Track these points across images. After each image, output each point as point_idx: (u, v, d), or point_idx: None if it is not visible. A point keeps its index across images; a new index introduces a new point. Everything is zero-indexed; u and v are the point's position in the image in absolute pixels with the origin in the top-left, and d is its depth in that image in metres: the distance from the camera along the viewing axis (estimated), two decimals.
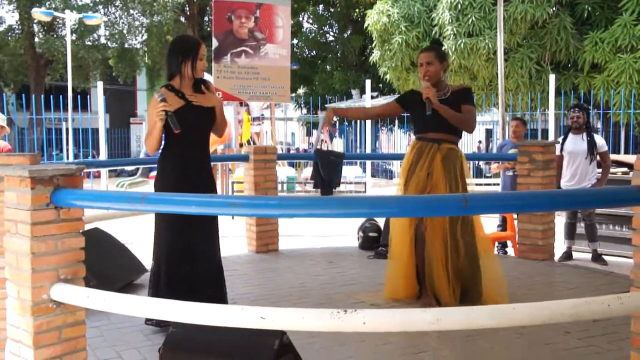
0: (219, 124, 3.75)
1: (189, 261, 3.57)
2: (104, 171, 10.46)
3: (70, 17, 17.50)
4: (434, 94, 4.10)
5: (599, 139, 6.82)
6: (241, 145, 12.36)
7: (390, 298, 4.27)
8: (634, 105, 10.84)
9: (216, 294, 3.63)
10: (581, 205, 3.94)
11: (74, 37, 20.99)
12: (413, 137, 4.41)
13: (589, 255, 6.97)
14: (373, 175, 16.55)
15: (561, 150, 6.74)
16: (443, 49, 4.42)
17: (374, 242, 6.11)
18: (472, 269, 4.15)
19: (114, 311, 2.73)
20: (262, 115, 15.58)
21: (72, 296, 2.69)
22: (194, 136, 3.61)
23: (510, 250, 6.96)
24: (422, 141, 4.20)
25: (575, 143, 6.70)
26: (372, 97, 15.56)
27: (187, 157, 3.61)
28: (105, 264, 4.38)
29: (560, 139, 6.94)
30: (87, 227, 4.28)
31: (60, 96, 11.51)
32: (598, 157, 6.70)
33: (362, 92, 17.25)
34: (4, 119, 6.53)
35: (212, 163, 3.85)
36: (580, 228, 7.04)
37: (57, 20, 21.33)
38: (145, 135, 3.68)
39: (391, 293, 4.30)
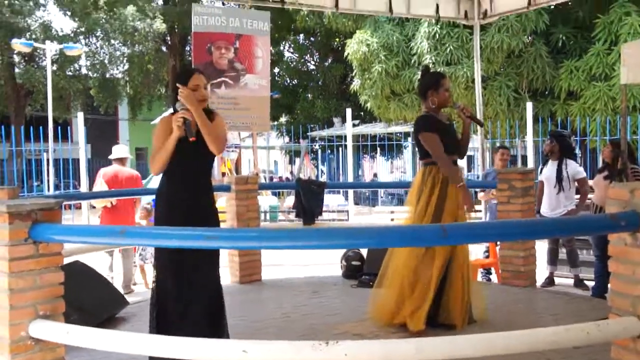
0: (210, 134, 3.49)
1: (185, 292, 3.49)
2: (84, 203, 10.39)
3: (51, 48, 17.49)
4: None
5: (574, 167, 6.74)
6: (223, 174, 12.35)
7: (378, 323, 4.33)
8: (609, 132, 11.03)
9: (214, 328, 3.53)
10: (559, 233, 4.00)
11: (54, 68, 20.97)
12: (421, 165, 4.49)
13: (571, 281, 7.02)
14: (356, 203, 16.58)
15: (540, 174, 6.85)
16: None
17: (357, 271, 6.10)
18: (469, 295, 4.30)
19: (94, 347, 2.70)
20: (240, 144, 15.59)
21: (51, 333, 2.66)
22: (194, 165, 3.54)
23: (494, 277, 6.99)
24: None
25: (551, 170, 6.77)
26: (354, 125, 15.67)
27: (186, 188, 3.52)
28: (86, 298, 4.33)
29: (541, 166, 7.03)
30: (67, 260, 4.24)
31: (41, 127, 11.47)
32: (576, 184, 6.73)
33: (344, 120, 17.37)
34: (127, 150, 7.61)
35: None
36: (563, 254, 7.09)
37: (38, 50, 21.32)
38: (151, 155, 3.51)
39: (380, 320, 4.35)
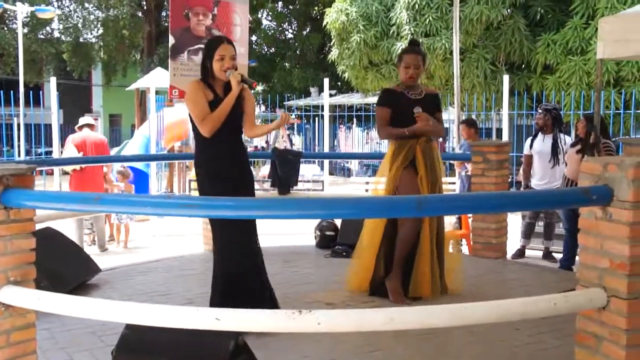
0: (249, 121, 3.83)
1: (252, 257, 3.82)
2: (56, 168, 10.24)
3: (22, 10, 16.99)
4: (425, 124, 4.28)
5: (568, 141, 6.82)
6: None
7: (354, 290, 4.45)
8: (583, 106, 11.13)
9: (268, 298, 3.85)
10: (532, 206, 4.04)
11: (25, 30, 20.45)
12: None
13: (540, 253, 7.14)
14: (331, 174, 16.60)
15: (530, 148, 6.88)
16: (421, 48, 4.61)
17: (330, 241, 6.13)
18: (440, 265, 4.37)
19: (65, 313, 2.68)
20: None
21: (21, 299, 2.63)
22: (229, 129, 3.68)
23: (465, 249, 7.08)
24: (401, 139, 4.36)
25: (544, 143, 6.82)
26: (331, 95, 15.61)
27: (228, 150, 3.70)
28: (57, 264, 4.30)
29: (530, 138, 7.05)
30: (39, 226, 4.19)
31: (12, 91, 11.20)
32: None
33: (321, 90, 17.29)
34: (90, 119, 8.51)
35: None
36: (537, 227, 7.19)
37: (8, 12, 20.75)
38: (200, 118, 3.60)
39: (357, 286, 4.46)
